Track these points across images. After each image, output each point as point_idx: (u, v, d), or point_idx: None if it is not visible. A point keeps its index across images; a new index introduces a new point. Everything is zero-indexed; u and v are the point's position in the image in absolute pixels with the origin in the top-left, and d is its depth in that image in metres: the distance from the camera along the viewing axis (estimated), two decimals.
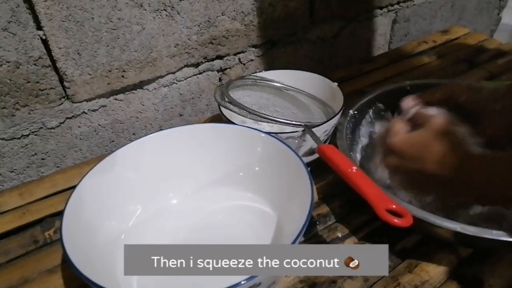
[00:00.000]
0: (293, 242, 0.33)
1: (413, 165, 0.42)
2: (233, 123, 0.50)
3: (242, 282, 0.30)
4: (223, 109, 0.52)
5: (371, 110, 0.57)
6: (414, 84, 0.58)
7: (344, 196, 0.51)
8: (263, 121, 0.49)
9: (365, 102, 0.56)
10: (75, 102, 0.59)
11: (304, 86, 0.60)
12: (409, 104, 0.51)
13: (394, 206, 0.37)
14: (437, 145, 0.41)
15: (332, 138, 0.53)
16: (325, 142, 0.52)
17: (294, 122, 0.48)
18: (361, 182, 0.40)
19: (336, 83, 0.57)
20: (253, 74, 0.60)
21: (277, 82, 0.60)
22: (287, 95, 0.61)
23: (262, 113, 0.49)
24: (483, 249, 0.43)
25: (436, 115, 0.46)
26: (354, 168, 0.41)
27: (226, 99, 0.51)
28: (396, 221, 0.35)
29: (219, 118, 0.54)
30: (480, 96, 0.48)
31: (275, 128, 0.56)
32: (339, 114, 0.51)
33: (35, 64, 0.53)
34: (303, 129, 0.48)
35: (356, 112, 0.55)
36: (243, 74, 0.59)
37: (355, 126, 0.55)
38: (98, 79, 0.59)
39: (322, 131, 0.49)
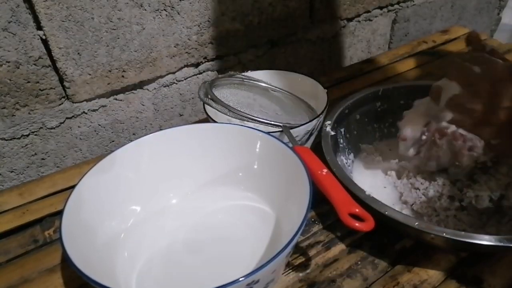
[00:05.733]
0: (290, 241, 0.33)
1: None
2: (215, 121, 0.51)
3: (241, 279, 0.30)
4: (206, 107, 0.53)
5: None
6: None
7: None
8: (244, 120, 0.50)
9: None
10: (75, 102, 0.59)
11: (293, 88, 0.60)
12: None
13: (357, 210, 0.37)
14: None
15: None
16: (303, 144, 0.52)
17: (272, 123, 0.49)
18: (329, 185, 0.40)
19: (325, 90, 0.56)
20: (241, 73, 0.59)
21: (264, 82, 0.60)
22: (273, 95, 0.60)
23: (243, 112, 0.49)
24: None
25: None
26: (325, 170, 0.41)
27: (209, 97, 0.51)
28: (357, 225, 0.36)
29: None
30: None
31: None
32: (314, 121, 0.50)
33: (35, 64, 0.53)
34: (281, 129, 0.49)
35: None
36: (231, 72, 0.58)
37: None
38: (98, 79, 0.59)
39: (294, 135, 0.50)
